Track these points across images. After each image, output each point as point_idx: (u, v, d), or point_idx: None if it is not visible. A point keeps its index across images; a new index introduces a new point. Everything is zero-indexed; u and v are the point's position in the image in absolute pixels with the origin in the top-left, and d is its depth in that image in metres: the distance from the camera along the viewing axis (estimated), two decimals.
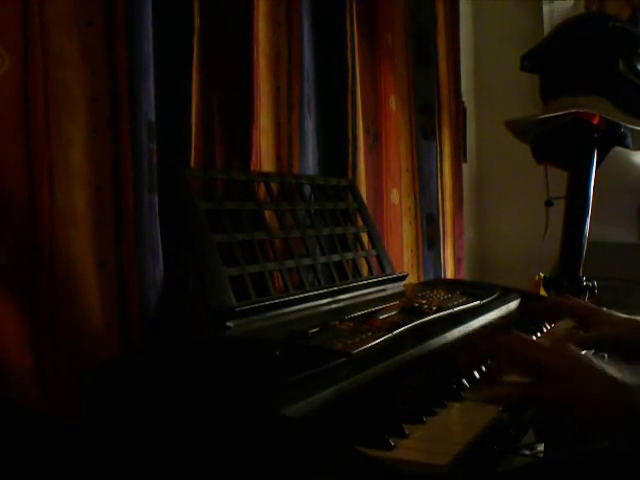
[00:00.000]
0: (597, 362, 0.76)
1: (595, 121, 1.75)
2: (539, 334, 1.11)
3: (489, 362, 0.87)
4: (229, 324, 0.90)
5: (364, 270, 1.30)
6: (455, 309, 1.13)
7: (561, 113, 1.69)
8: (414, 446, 0.64)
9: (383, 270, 1.34)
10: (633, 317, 1.03)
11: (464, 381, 0.83)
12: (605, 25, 1.72)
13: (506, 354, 0.80)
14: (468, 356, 0.87)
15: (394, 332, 0.91)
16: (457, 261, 2.10)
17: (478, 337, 1.02)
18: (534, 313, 1.20)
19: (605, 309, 1.10)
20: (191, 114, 1.02)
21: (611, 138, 1.80)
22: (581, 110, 1.69)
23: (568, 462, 0.87)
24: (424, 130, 1.89)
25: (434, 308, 1.09)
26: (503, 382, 0.81)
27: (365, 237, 1.34)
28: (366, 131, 1.57)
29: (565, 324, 1.18)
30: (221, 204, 1.01)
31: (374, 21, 1.64)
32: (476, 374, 0.88)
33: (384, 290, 1.27)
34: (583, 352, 0.81)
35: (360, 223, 1.34)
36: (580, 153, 1.79)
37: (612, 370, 0.75)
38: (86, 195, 0.84)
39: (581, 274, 1.77)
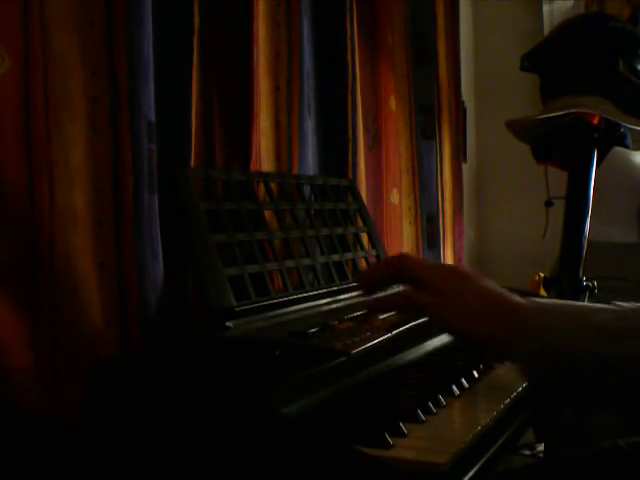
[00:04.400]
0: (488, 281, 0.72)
1: (595, 121, 1.75)
2: None
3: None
4: (229, 324, 0.90)
5: None
6: None
7: (561, 113, 1.69)
8: (413, 445, 0.64)
9: None
10: None
11: (463, 381, 0.83)
12: (605, 25, 1.72)
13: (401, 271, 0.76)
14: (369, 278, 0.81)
15: (393, 332, 0.92)
16: (457, 261, 2.10)
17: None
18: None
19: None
20: (191, 114, 1.02)
21: (611, 138, 1.79)
22: (581, 110, 1.69)
23: (568, 462, 0.87)
24: (424, 130, 1.89)
25: None
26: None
27: (365, 237, 1.34)
28: (366, 131, 1.57)
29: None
30: (221, 204, 1.01)
31: (374, 21, 1.64)
32: (475, 374, 0.88)
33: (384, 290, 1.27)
34: None
35: (360, 223, 1.34)
36: (580, 153, 1.78)
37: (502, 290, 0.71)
38: (86, 195, 0.84)
39: (581, 274, 1.77)
